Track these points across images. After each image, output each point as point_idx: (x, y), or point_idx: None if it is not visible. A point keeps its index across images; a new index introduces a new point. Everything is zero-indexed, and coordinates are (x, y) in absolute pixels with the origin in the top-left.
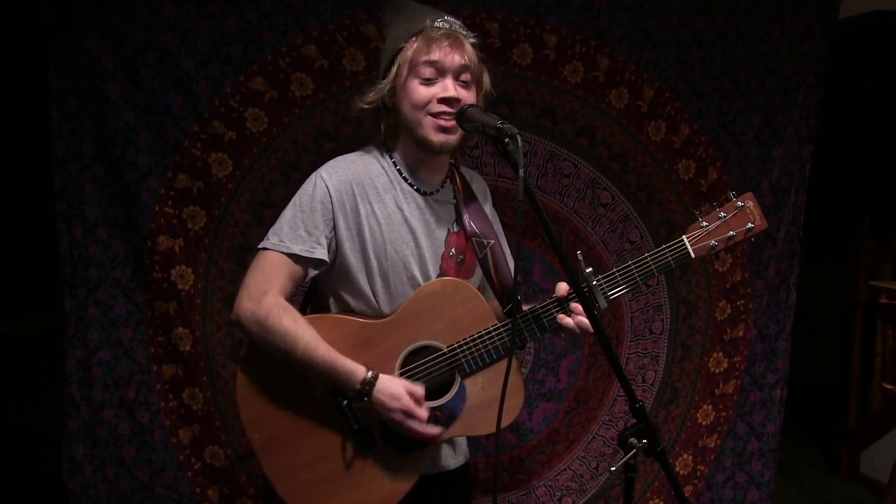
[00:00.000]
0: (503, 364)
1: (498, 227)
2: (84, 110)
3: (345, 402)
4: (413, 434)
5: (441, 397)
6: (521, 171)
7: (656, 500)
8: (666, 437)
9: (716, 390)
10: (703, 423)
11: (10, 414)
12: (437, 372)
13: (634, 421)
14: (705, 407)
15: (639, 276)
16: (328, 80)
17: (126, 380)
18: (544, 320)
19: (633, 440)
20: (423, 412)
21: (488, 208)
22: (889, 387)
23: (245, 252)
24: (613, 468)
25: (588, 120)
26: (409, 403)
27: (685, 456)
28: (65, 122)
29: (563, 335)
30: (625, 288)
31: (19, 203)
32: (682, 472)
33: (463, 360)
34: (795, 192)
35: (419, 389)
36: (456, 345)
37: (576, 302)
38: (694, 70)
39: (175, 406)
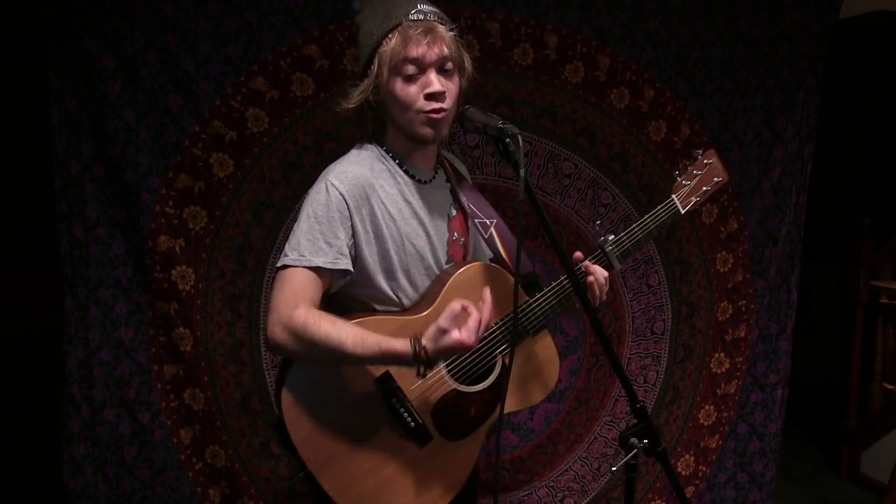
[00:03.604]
0: (535, 338)
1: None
2: (84, 110)
3: (396, 402)
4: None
5: (485, 379)
6: (521, 172)
7: (658, 501)
8: (668, 438)
9: (717, 391)
10: (705, 423)
11: (10, 414)
12: (484, 356)
13: (636, 421)
14: (707, 407)
15: (641, 236)
16: (329, 80)
17: (127, 380)
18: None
19: (633, 440)
20: (470, 331)
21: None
22: (889, 387)
23: (246, 252)
24: (615, 468)
25: (589, 120)
26: (456, 337)
27: (687, 456)
28: (65, 122)
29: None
30: (631, 246)
31: (19, 203)
32: (683, 473)
33: (502, 339)
34: (796, 192)
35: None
36: (495, 326)
37: (590, 265)
38: (694, 70)
39: (176, 406)
